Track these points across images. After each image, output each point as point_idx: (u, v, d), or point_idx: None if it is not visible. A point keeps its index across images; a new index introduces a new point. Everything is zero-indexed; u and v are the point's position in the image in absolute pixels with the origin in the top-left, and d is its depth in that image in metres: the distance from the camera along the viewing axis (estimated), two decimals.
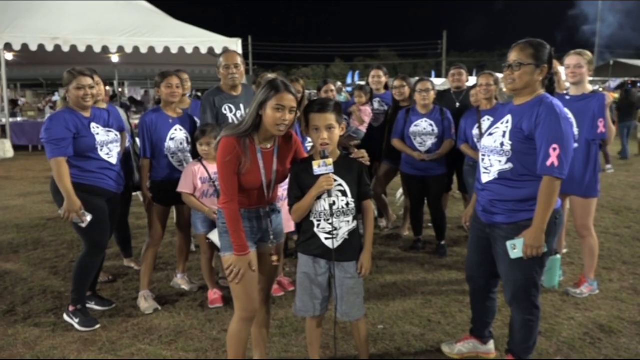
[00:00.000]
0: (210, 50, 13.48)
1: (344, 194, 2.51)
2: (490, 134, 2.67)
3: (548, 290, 3.99)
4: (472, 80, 6.45)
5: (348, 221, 2.53)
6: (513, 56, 2.52)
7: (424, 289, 4.08)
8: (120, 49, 13.02)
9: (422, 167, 4.75)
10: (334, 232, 2.51)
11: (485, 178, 2.66)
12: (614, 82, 27.37)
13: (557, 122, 2.39)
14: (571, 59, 3.77)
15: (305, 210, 2.49)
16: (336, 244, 2.51)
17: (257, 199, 2.51)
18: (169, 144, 3.72)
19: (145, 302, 3.71)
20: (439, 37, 49.25)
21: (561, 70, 3.98)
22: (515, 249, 2.50)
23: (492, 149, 2.61)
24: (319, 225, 2.52)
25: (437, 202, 4.91)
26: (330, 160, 2.40)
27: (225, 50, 4.09)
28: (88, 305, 3.60)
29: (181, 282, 4.10)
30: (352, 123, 5.21)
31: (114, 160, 3.51)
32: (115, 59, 16.10)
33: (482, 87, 4.51)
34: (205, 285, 3.95)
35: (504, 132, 2.56)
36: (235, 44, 13.69)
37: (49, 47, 12.29)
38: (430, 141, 4.70)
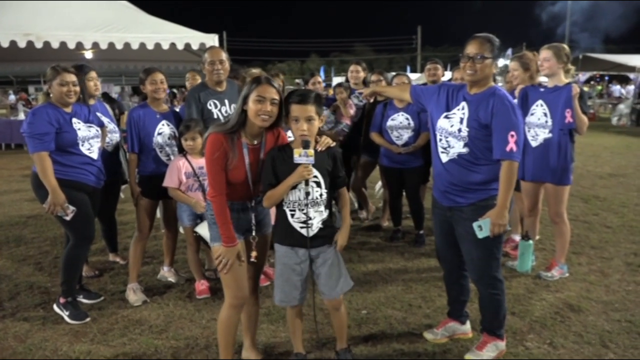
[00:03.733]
0: (187, 46, 13.39)
1: (318, 184, 2.59)
2: (447, 117, 2.84)
3: (521, 274, 4.21)
4: (447, 75, 6.66)
5: (321, 211, 2.62)
6: (473, 49, 2.70)
7: (405, 276, 4.25)
8: (95, 45, 12.79)
9: (400, 160, 4.91)
10: (309, 222, 2.59)
11: (444, 157, 2.84)
12: (583, 76, 28.11)
13: (512, 111, 2.62)
14: (541, 53, 3.98)
15: (279, 197, 2.57)
16: (311, 233, 2.60)
17: (243, 192, 2.62)
18: (157, 139, 3.81)
19: (134, 295, 3.78)
20: (413, 32, 49.74)
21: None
22: (482, 229, 2.68)
23: (450, 132, 2.79)
24: (293, 215, 2.60)
25: (414, 194, 5.08)
26: (311, 151, 2.48)
27: (210, 47, 4.16)
28: (77, 299, 3.66)
29: (168, 274, 4.18)
30: (340, 118, 5.32)
31: (94, 155, 3.54)
32: (88, 55, 15.84)
33: (457, 81, 4.69)
34: (192, 277, 4.03)
35: (461, 119, 2.75)
36: (212, 40, 13.58)
37: (21, 44, 12.01)
38: (406, 134, 4.86)
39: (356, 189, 5.81)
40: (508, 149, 2.59)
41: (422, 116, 4.88)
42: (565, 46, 3.99)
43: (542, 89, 4.07)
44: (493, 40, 2.71)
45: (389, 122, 4.90)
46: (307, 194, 2.55)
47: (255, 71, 4.30)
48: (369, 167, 5.67)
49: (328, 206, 2.66)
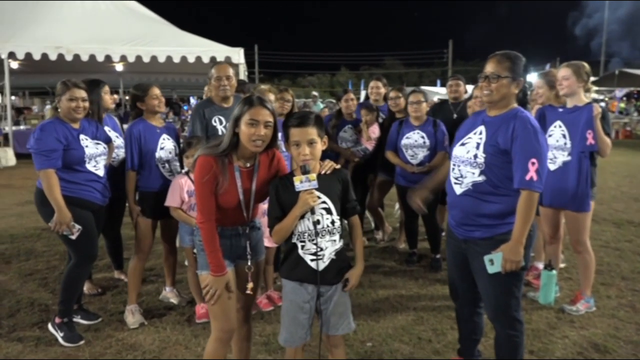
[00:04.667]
0: (213, 59, 13.52)
1: (328, 211, 2.39)
2: (463, 144, 2.62)
3: (543, 307, 3.91)
4: (470, 90, 6.41)
5: (334, 240, 2.40)
6: (490, 68, 2.50)
7: (417, 304, 4.01)
8: (123, 58, 13.10)
9: (415, 180, 4.67)
10: (320, 253, 2.37)
11: (457, 189, 2.61)
12: (620, 92, 27.21)
13: (534, 136, 2.37)
14: (560, 72, 3.73)
15: (288, 231, 2.36)
16: (322, 266, 2.38)
17: (235, 217, 2.46)
18: (160, 154, 3.71)
19: (132, 317, 3.65)
20: (444, 46, 49.30)
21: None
22: (493, 263, 2.43)
23: (464, 160, 2.57)
24: (303, 247, 2.39)
25: (430, 215, 4.83)
26: (313, 175, 2.28)
27: (217, 62, 4.07)
28: (74, 320, 3.56)
29: (170, 295, 4.05)
30: (361, 140, 5.18)
31: (100, 172, 3.48)
32: (119, 67, 16.18)
33: (478, 98, 4.45)
34: (194, 299, 3.89)
35: (478, 144, 2.53)
36: (238, 54, 13.75)
37: (52, 56, 12.36)
38: (422, 153, 4.65)
39: (372, 208, 5.60)
40: (528, 177, 2.34)
41: (438, 135, 4.67)
42: (586, 64, 3.73)
43: (560, 109, 3.82)
44: (515, 58, 2.49)
45: (404, 141, 4.69)
46: (316, 222, 2.35)
47: (264, 87, 4.17)
48: (385, 186, 5.46)
49: (342, 236, 2.45)
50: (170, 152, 3.76)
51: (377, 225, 5.85)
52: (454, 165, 2.64)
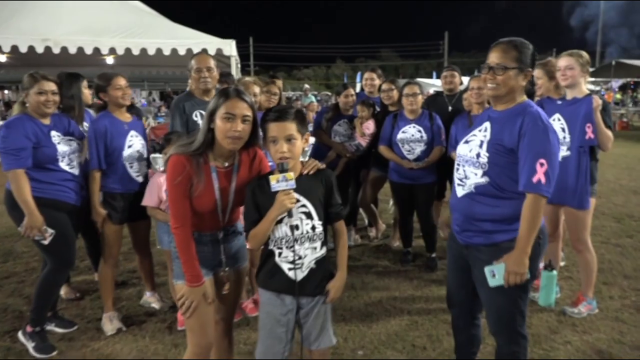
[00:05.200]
0: (204, 51, 13.22)
1: (308, 215, 2.17)
2: (467, 142, 2.41)
3: (543, 309, 3.73)
4: (466, 82, 6.21)
5: (315, 248, 2.19)
6: (495, 58, 2.25)
7: (411, 307, 3.82)
8: (112, 51, 12.72)
9: (411, 176, 4.49)
10: (298, 262, 2.16)
11: (460, 191, 2.39)
12: (616, 83, 27.06)
13: (544, 134, 2.13)
14: (562, 61, 3.50)
15: (264, 235, 2.15)
16: (301, 275, 2.17)
17: (214, 222, 2.25)
18: (127, 152, 3.42)
19: (110, 324, 3.45)
20: (440, 37, 48.99)
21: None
22: (495, 275, 2.21)
23: (468, 159, 2.35)
24: (280, 254, 2.18)
25: (426, 212, 4.64)
26: (291, 174, 2.07)
27: (197, 53, 3.84)
28: (48, 327, 3.36)
29: (151, 300, 3.84)
30: (355, 136, 4.98)
31: (75, 170, 3.26)
32: (110, 60, 15.84)
33: (474, 90, 4.24)
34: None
35: (481, 142, 2.30)
36: (229, 45, 13.40)
37: (39, 49, 11.99)
38: (419, 148, 4.44)
39: (365, 205, 5.40)
40: (535, 179, 2.11)
41: (434, 128, 4.46)
42: (585, 53, 3.53)
43: (559, 102, 3.61)
44: (522, 47, 2.24)
45: (400, 135, 4.48)
46: (294, 227, 2.14)
47: (249, 79, 3.94)
48: (379, 182, 5.25)
49: (325, 242, 2.24)
50: (138, 151, 3.47)
51: (371, 222, 5.65)
52: (458, 164, 2.42)
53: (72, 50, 12.39)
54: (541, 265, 4.16)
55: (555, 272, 3.75)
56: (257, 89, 3.89)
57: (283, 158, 2.10)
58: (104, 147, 3.34)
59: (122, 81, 3.41)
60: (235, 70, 12.55)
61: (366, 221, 5.81)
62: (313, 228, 2.18)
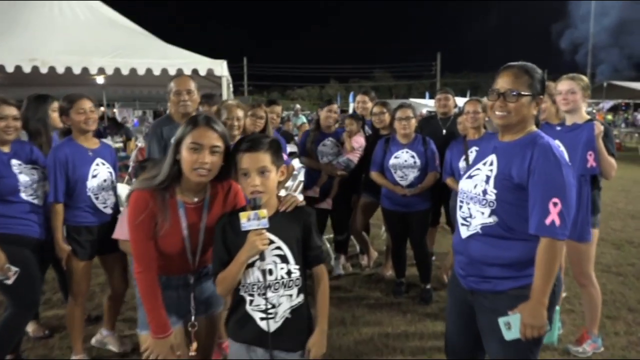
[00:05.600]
0: (195, 72, 13.08)
1: (283, 259, 1.93)
2: (470, 177, 2.18)
3: (546, 347, 3.48)
4: (460, 103, 6.06)
5: (290, 295, 1.95)
6: (505, 83, 2.04)
7: (404, 345, 3.57)
8: (101, 71, 12.55)
9: (404, 203, 4.27)
10: (271, 311, 1.92)
11: (464, 232, 2.16)
12: (607, 104, 27.19)
13: (557, 169, 1.92)
14: (563, 84, 3.32)
15: (233, 280, 1.91)
16: (274, 326, 1.93)
17: (182, 264, 2.02)
18: (92, 182, 3.14)
19: None
20: (433, 58, 49.35)
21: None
22: (511, 328, 1.97)
23: (473, 196, 2.12)
24: (252, 301, 1.94)
25: (420, 241, 4.42)
26: (264, 212, 1.84)
27: (176, 75, 3.64)
28: None
29: (108, 340, 3.49)
30: (345, 153, 4.77)
31: (39, 201, 3.03)
32: (100, 80, 15.67)
33: (469, 114, 4.08)
34: None
35: (487, 177, 2.08)
36: (220, 66, 13.26)
37: (27, 69, 11.83)
38: (412, 174, 4.23)
39: (356, 232, 5.17)
40: (548, 221, 1.89)
41: (428, 153, 4.26)
42: (584, 77, 3.36)
43: (558, 127, 3.42)
44: (533, 72, 2.05)
45: (392, 160, 4.28)
46: (266, 272, 1.90)
47: (232, 102, 3.73)
48: (370, 208, 5.04)
49: (303, 289, 2.00)
50: (104, 180, 3.20)
51: (362, 249, 5.42)
52: (461, 202, 2.19)
53: (60, 70, 12.20)
54: None
55: (558, 308, 3.54)
56: (240, 113, 3.67)
57: (255, 193, 1.87)
58: (64, 177, 3.05)
59: (86, 104, 3.12)
60: (226, 90, 12.41)
61: (358, 248, 5.58)
62: (289, 273, 1.94)
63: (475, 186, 2.11)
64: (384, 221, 5.04)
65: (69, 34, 13.22)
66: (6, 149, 2.94)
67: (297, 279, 1.96)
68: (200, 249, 2.03)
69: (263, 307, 1.92)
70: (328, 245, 5.29)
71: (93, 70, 12.66)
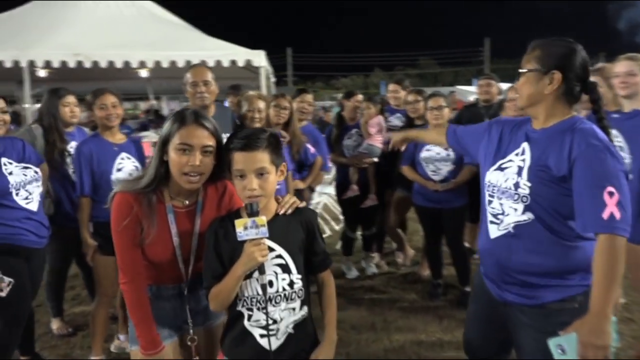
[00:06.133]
0: (233, 62, 13.07)
1: (284, 269, 1.71)
2: (501, 169, 1.89)
3: None
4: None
5: (293, 309, 1.73)
6: (525, 61, 1.84)
7: (439, 355, 3.29)
8: (142, 64, 12.76)
9: (437, 199, 3.96)
10: (272, 327, 1.70)
11: (493, 231, 1.88)
12: None
13: (604, 154, 1.64)
14: (621, 66, 2.92)
15: (229, 295, 1.69)
16: (276, 344, 1.71)
17: (175, 272, 1.83)
18: (117, 176, 3.05)
19: None
20: (482, 44, 47.68)
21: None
22: (565, 352, 1.65)
23: (504, 190, 1.84)
24: (250, 316, 1.72)
25: (456, 239, 4.10)
26: (262, 219, 1.61)
27: (193, 65, 3.47)
28: None
29: (126, 345, 3.37)
30: (368, 139, 4.53)
31: (34, 205, 2.74)
32: (144, 73, 15.91)
33: (512, 101, 3.72)
34: None
35: (519, 168, 1.80)
36: (259, 56, 13.20)
37: (71, 64, 12.14)
38: (446, 168, 3.91)
39: (390, 230, 4.89)
40: (605, 215, 1.60)
41: None
42: None
43: (615, 115, 3.00)
44: (546, 44, 1.80)
45: (424, 154, 3.97)
46: (266, 285, 1.68)
47: (253, 94, 3.53)
48: (405, 204, 4.72)
49: (306, 301, 1.77)
50: (131, 174, 3.08)
51: (398, 246, 5.14)
52: (491, 196, 1.91)
53: (103, 64, 12.47)
54: None
55: (615, 319, 3.17)
56: (262, 104, 3.47)
57: (252, 197, 1.64)
58: (89, 171, 3.04)
59: (108, 99, 3.06)
60: (264, 81, 12.31)
61: (394, 245, 5.30)
62: (291, 284, 1.71)
63: (506, 179, 1.84)
64: (418, 219, 4.74)
65: (112, 29, 13.48)
66: None
67: (300, 290, 1.73)
68: (193, 257, 1.83)
69: (263, 323, 1.70)
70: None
71: (134, 64, 12.86)
